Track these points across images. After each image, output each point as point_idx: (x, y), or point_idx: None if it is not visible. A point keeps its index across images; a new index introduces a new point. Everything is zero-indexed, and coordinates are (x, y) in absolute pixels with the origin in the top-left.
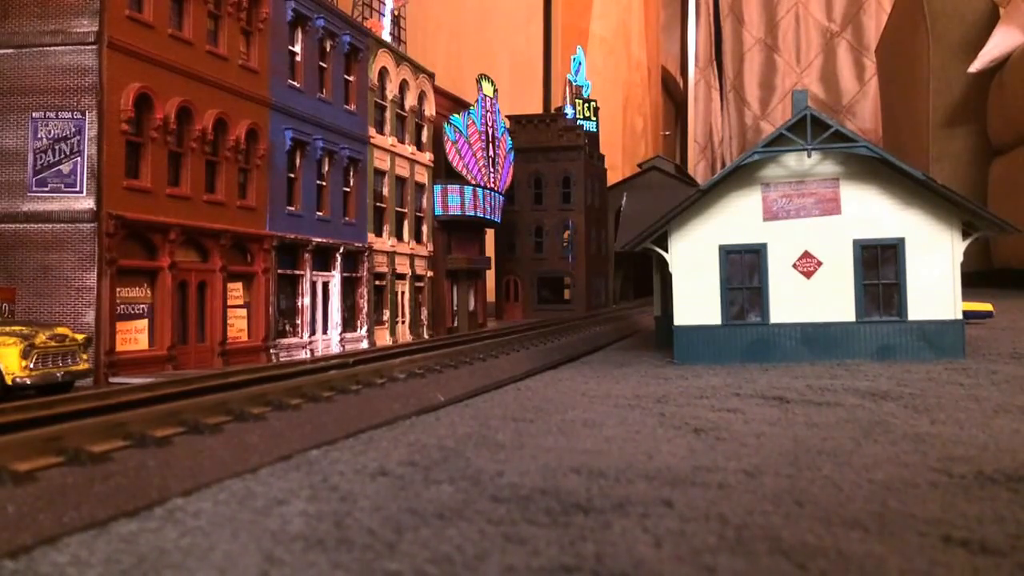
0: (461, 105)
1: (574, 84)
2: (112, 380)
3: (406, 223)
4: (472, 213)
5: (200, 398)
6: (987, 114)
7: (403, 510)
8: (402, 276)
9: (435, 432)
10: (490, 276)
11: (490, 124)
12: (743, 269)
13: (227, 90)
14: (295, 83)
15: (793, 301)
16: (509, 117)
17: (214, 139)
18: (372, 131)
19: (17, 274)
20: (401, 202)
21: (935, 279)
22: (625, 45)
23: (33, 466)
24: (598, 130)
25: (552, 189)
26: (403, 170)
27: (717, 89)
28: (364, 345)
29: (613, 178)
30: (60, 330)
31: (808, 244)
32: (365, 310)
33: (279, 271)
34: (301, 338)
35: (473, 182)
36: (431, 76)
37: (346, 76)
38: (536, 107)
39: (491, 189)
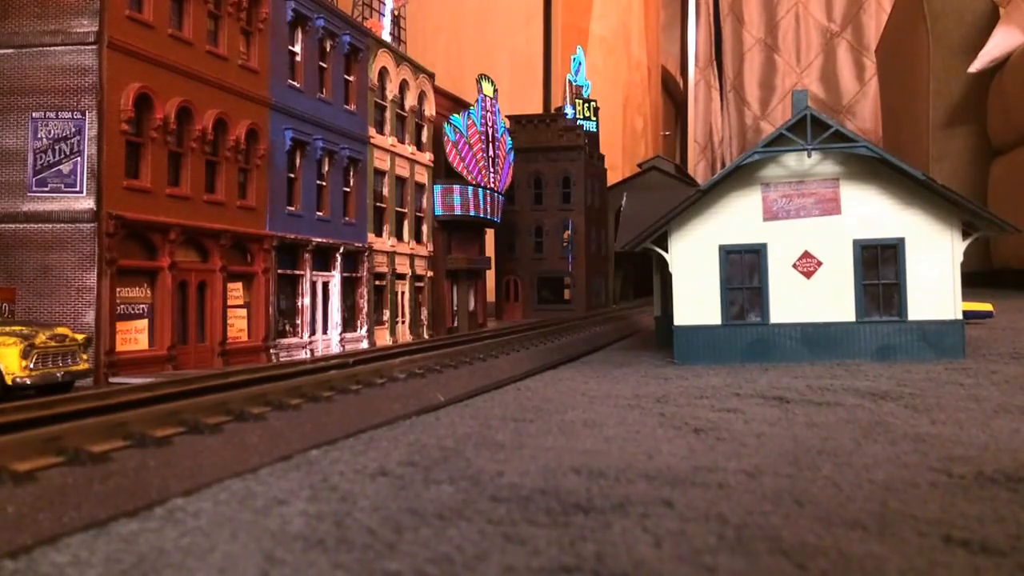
0: (461, 105)
1: (574, 84)
2: (112, 380)
3: (406, 223)
4: (472, 213)
5: (200, 398)
6: (987, 114)
7: (403, 510)
8: (402, 276)
9: (435, 432)
10: (490, 276)
11: (490, 124)
12: (743, 269)
13: (227, 90)
14: (295, 83)
15: (793, 301)
16: (509, 117)
17: (214, 139)
18: (372, 131)
19: (17, 274)
20: (401, 202)
21: (935, 279)
22: (625, 45)
23: (33, 466)
24: (598, 130)
25: (552, 189)
26: (403, 170)
27: (717, 89)
28: (364, 345)
29: (613, 178)
30: (60, 330)
31: (808, 244)
32: (365, 310)
33: (279, 271)
34: (301, 338)
35: (473, 182)
36: (431, 76)
37: (346, 76)
38: (536, 107)
39: (491, 189)
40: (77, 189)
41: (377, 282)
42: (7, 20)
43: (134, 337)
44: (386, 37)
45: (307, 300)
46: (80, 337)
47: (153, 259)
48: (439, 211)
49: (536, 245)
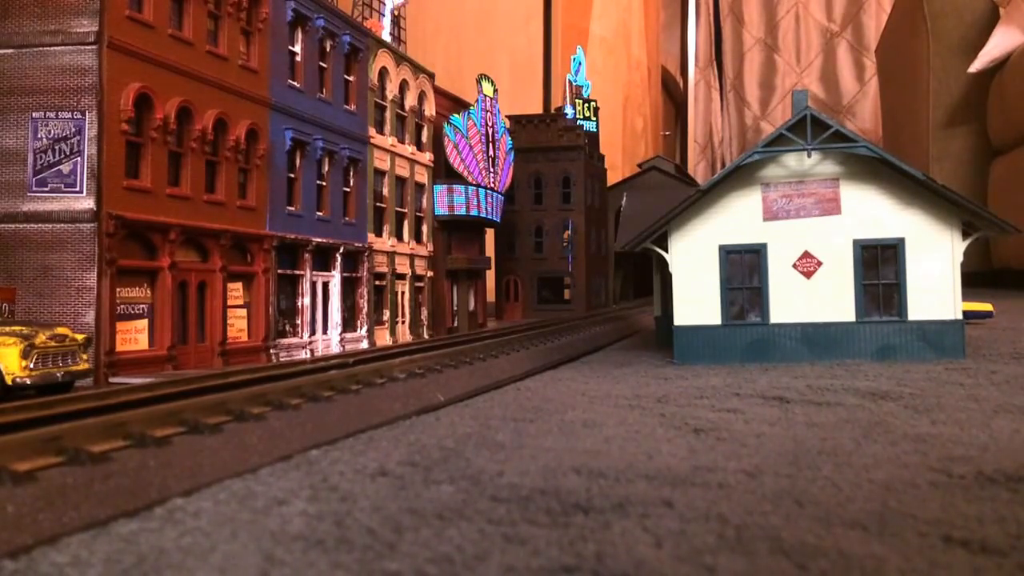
0: (461, 105)
1: (574, 84)
2: (112, 380)
3: (406, 223)
4: (472, 213)
5: (200, 398)
6: (987, 114)
7: (403, 510)
8: (402, 276)
9: (435, 432)
10: (490, 276)
11: (490, 124)
12: (743, 269)
13: (227, 90)
14: (295, 83)
15: (793, 301)
16: (509, 117)
17: (214, 139)
18: (372, 131)
19: (17, 274)
20: (401, 202)
21: (935, 279)
22: (625, 45)
23: (33, 466)
24: (598, 130)
25: (552, 189)
26: (403, 170)
27: (717, 89)
28: (364, 345)
29: (613, 178)
30: (60, 330)
31: (808, 244)
32: (365, 310)
33: (279, 271)
34: (301, 338)
35: (473, 182)
36: (431, 76)
37: (346, 76)
38: (536, 107)
39: (491, 189)
40: (77, 189)
41: (377, 282)
42: (7, 20)
43: (134, 337)
44: (386, 37)
45: (307, 300)
46: (80, 337)
47: (153, 259)
48: (439, 211)
49: (536, 245)
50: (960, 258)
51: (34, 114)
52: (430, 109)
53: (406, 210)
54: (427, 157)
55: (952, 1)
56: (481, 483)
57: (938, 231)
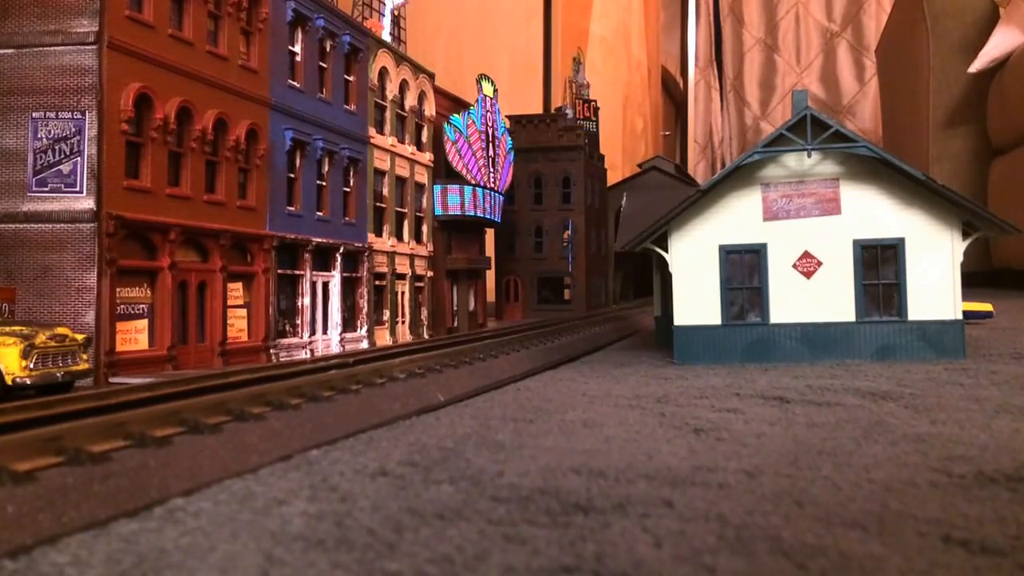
0: (461, 105)
1: (574, 84)
2: (112, 380)
3: (406, 223)
4: (472, 213)
5: (200, 398)
6: (987, 114)
7: (403, 510)
8: (402, 276)
9: (435, 432)
10: (490, 276)
11: (490, 124)
12: (743, 269)
13: (227, 90)
14: (295, 83)
15: (793, 301)
16: (509, 117)
17: (214, 139)
18: (372, 131)
19: (17, 274)
20: (401, 202)
21: (935, 279)
22: (625, 45)
23: (33, 466)
24: (598, 130)
25: (552, 189)
26: (403, 170)
27: (717, 89)
28: (364, 345)
29: (613, 178)
30: (60, 330)
31: (808, 244)
32: (365, 310)
33: (279, 271)
34: (301, 338)
35: (473, 182)
36: (431, 76)
37: (346, 76)
38: (536, 107)
39: (491, 189)
40: (77, 189)
41: (377, 282)
42: (7, 20)
43: (134, 337)
44: (386, 37)
45: (307, 300)
46: (80, 337)
47: (153, 259)
48: (439, 211)
49: (536, 245)
50: (960, 258)
51: (34, 114)
52: (430, 109)
53: (406, 210)
54: (427, 157)
55: (952, 1)
56: (481, 483)
57: (938, 231)
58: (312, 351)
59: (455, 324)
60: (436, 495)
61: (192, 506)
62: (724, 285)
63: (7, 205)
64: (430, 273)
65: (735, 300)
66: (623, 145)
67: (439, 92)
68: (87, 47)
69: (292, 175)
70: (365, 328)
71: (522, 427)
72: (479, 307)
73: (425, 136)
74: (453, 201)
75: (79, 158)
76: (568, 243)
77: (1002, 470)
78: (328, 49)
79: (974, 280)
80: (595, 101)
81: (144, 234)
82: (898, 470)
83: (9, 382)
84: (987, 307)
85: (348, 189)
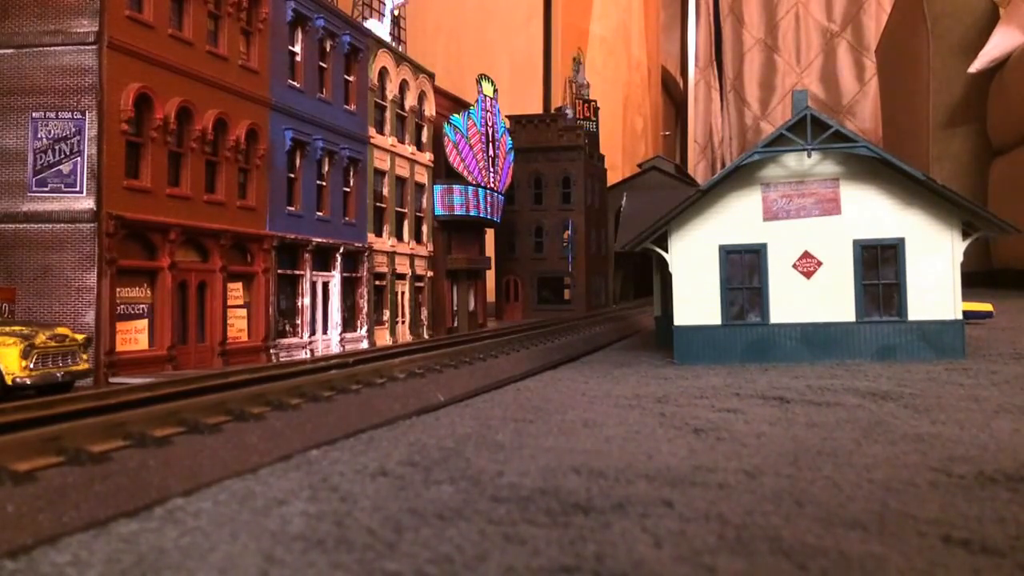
0: (461, 105)
1: (574, 84)
2: (112, 380)
3: (406, 223)
4: (472, 213)
5: (200, 398)
6: (987, 114)
7: (403, 510)
8: (402, 276)
9: (435, 432)
10: (490, 276)
11: (490, 124)
12: (743, 269)
13: (227, 90)
14: (295, 83)
15: (793, 301)
16: (509, 117)
17: (214, 139)
18: (372, 131)
19: (17, 274)
20: (401, 202)
21: (935, 279)
22: (625, 45)
23: (33, 466)
24: (598, 130)
25: (552, 189)
26: (403, 170)
27: (717, 89)
28: (364, 345)
29: (613, 178)
30: (60, 330)
31: (808, 244)
32: (365, 310)
33: (279, 271)
34: (301, 338)
35: (473, 182)
36: (431, 76)
37: (346, 76)
38: (536, 107)
39: (491, 189)
40: (77, 189)
41: (377, 282)
42: (7, 20)
43: (134, 337)
44: (386, 37)
45: (307, 300)
46: (80, 337)
47: (153, 259)
48: (439, 211)
49: (536, 245)
50: (960, 258)
51: (34, 114)
52: (430, 109)
53: (406, 210)
54: (427, 157)
55: (952, 1)
56: (481, 483)
57: (938, 231)
58: (312, 351)
59: (455, 324)
60: (436, 495)
61: (192, 506)
62: (724, 285)
63: (7, 205)
64: (430, 273)
65: (735, 300)
66: (623, 145)
67: (439, 92)
68: (87, 47)
69: (292, 175)
70: (365, 328)
71: (522, 427)
72: (479, 307)
73: (425, 136)
74: (453, 201)
75: (79, 158)
76: (568, 243)
77: (1002, 470)
78: (328, 49)
79: (974, 280)
80: (595, 101)
81: (144, 234)
82: (898, 470)
83: (9, 382)
84: (987, 307)
85: (348, 189)
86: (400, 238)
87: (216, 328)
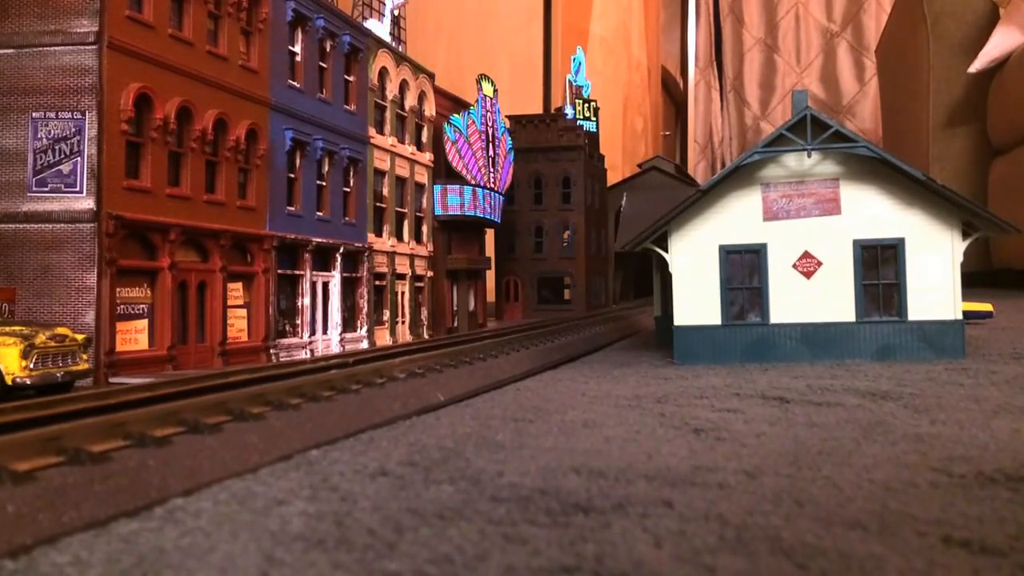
0: (461, 105)
1: (574, 84)
2: (112, 380)
3: (406, 223)
4: (472, 213)
5: (200, 398)
6: (987, 114)
7: (403, 510)
8: (402, 276)
9: (435, 432)
10: (490, 276)
11: (490, 124)
12: (743, 269)
13: (227, 90)
14: (295, 83)
15: (793, 301)
16: (509, 117)
17: (214, 139)
18: (372, 131)
19: (17, 274)
20: (401, 202)
21: (935, 279)
22: (625, 45)
23: (33, 466)
24: (598, 130)
25: (552, 189)
26: (403, 170)
27: (717, 89)
28: (364, 345)
29: (613, 178)
30: (60, 330)
31: (808, 244)
32: (365, 310)
33: (279, 271)
34: (301, 338)
35: (473, 182)
36: (431, 76)
37: (346, 76)
38: (536, 107)
39: (491, 189)
40: (77, 189)
41: (377, 282)
42: (7, 20)
43: (134, 337)
44: (385, 37)
45: (307, 300)
46: (80, 337)
47: (153, 259)
48: (439, 211)
49: (536, 245)
50: (960, 258)
51: (34, 114)
52: (430, 109)
53: (406, 210)
54: (427, 157)
55: (952, 1)
56: (481, 483)
57: (938, 231)
58: (312, 351)
59: (455, 324)
60: (436, 495)
61: (192, 506)
62: (724, 285)
63: (7, 205)
64: (430, 273)
65: (735, 300)
66: (623, 145)
67: (439, 92)
68: (87, 47)
69: (292, 175)
70: (365, 328)
71: (522, 427)
72: (479, 307)
73: (425, 136)
74: (453, 201)
75: (79, 158)
76: (568, 243)
77: (1002, 470)
78: (328, 49)
79: (974, 280)
80: (595, 101)
81: (144, 234)
82: (898, 470)
83: (9, 382)
84: (987, 307)
85: (348, 189)
86: (400, 238)
87: (216, 328)
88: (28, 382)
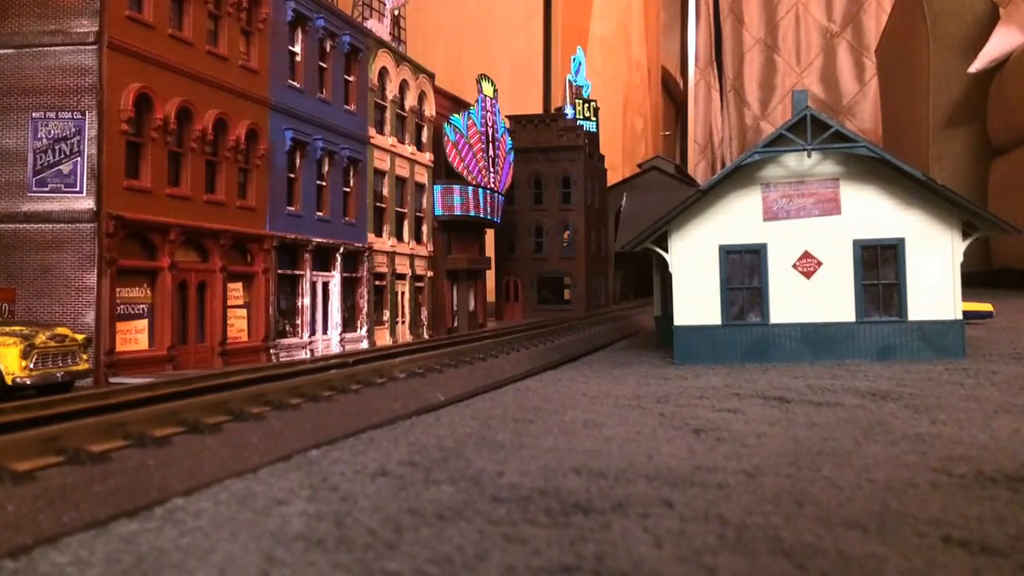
0: (461, 105)
1: (574, 84)
2: (112, 380)
3: (406, 223)
4: (472, 213)
5: (200, 398)
6: (987, 114)
7: (403, 510)
8: (402, 276)
9: (435, 432)
10: (490, 276)
11: (490, 124)
12: (743, 269)
13: (227, 90)
14: (295, 83)
15: (793, 301)
16: (509, 117)
17: (214, 139)
18: (372, 131)
19: (17, 274)
20: (401, 202)
21: (935, 279)
22: (625, 46)
23: (33, 466)
24: (598, 130)
25: (552, 189)
26: (403, 170)
27: (717, 89)
28: (364, 345)
29: (613, 178)
30: (60, 330)
31: (808, 244)
32: (365, 310)
33: (279, 271)
34: (301, 338)
35: (473, 182)
36: (431, 76)
37: (346, 76)
38: (536, 107)
39: (491, 189)
40: (77, 189)
41: (377, 282)
42: (7, 20)
43: (134, 337)
44: (385, 37)
45: (307, 300)
46: (80, 337)
47: (153, 259)
48: (439, 211)
49: (536, 245)
50: (960, 258)
51: (34, 114)
52: (430, 109)
53: (406, 210)
54: (427, 157)
55: (952, 1)
56: (481, 483)
57: (938, 231)
58: (312, 351)
59: (455, 324)
60: (436, 495)
61: (192, 506)
62: (724, 285)
63: (7, 205)
64: (430, 273)
65: (735, 300)
66: (623, 145)
67: (439, 92)
68: (87, 47)
69: (292, 175)
70: (365, 328)
71: (522, 427)
72: (479, 307)
73: (425, 136)
74: (453, 201)
75: (79, 158)
76: (568, 243)
77: (1002, 470)
78: (328, 49)
79: (974, 280)
80: (595, 101)
81: (144, 234)
82: (898, 470)
83: (9, 382)
84: (987, 307)
85: (348, 189)
86: (400, 238)
87: (216, 328)
88: (28, 382)
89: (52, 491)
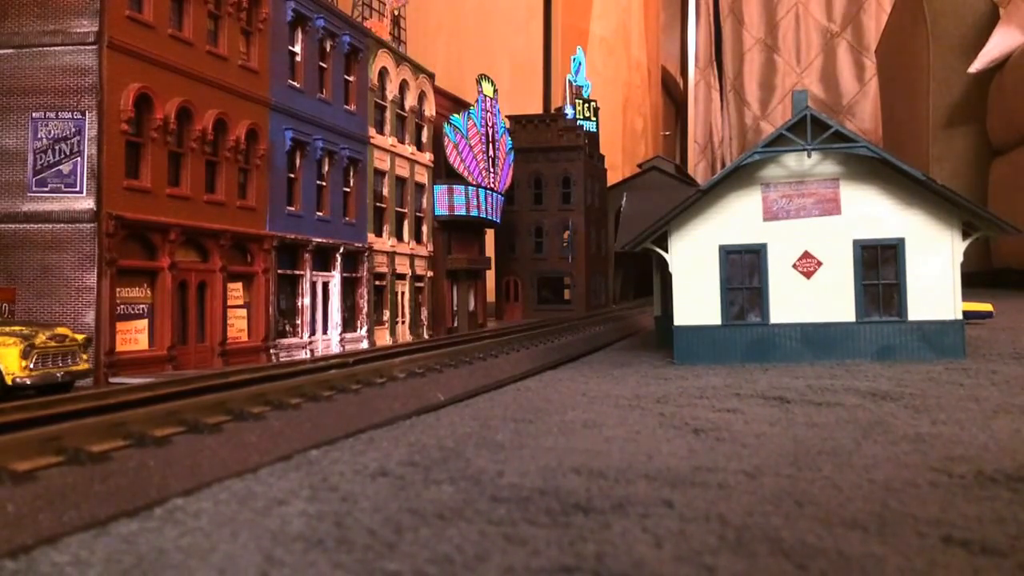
0: (461, 105)
1: (574, 84)
2: (112, 380)
3: (406, 223)
4: (472, 213)
5: (200, 398)
6: (987, 114)
7: (403, 510)
8: (402, 276)
9: (435, 432)
10: (490, 276)
11: (490, 124)
12: (743, 269)
13: (227, 90)
14: (295, 83)
15: (793, 301)
16: (509, 117)
17: (214, 139)
18: (372, 131)
19: (17, 274)
20: (401, 202)
21: (935, 279)
22: (625, 46)
23: (33, 466)
24: (598, 130)
25: (552, 189)
26: (403, 170)
27: (717, 89)
28: (364, 345)
29: (613, 178)
30: (60, 330)
31: (808, 244)
32: (365, 310)
33: (279, 271)
34: (301, 338)
35: (473, 182)
36: (431, 76)
37: (346, 76)
38: (536, 107)
39: (491, 189)
40: (77, 189)
41: (377, 282)
42: (7, 20)
43: (134, 337)
44: (386, 37)
45: (307, 300)
46: (80, 337)
47: (153, 259)
48: (439, 211)
49: (536, 245)
50: (960, 258)
51: (34, 114)
52: (430, 109)
53: (406, 210)
54: (427, 157)
55: (952, 1)
56: (481, 483)
57: (938, 231)
58: (312, 351)
59: (455, 324)
60: (436, 495)
61: (192, 506)
62: (724, 285)
63: (7, 205)
64: (430, 273)
65: (735, 300)
66: (623, 145)
67: (439, 92)
68: (87, 47)
69: (292, 175)
70: (365, 328)
71: (522, 427)
72: (479, 307)
73: (425, 136)
74: (453, 201)
75: (79, 158)
76: (568, 243)
77: (1002, 470)
78: (328, 49)
79: (974, 280)
80: (595, 101)
81: (144, 234)
82: (898, 470)
83: (9, 382)
84: (987, 307)
85: (348, 189)
86: (400, 238)
87: (216, 328)
88: (28, 382)
89: (52, 491)
